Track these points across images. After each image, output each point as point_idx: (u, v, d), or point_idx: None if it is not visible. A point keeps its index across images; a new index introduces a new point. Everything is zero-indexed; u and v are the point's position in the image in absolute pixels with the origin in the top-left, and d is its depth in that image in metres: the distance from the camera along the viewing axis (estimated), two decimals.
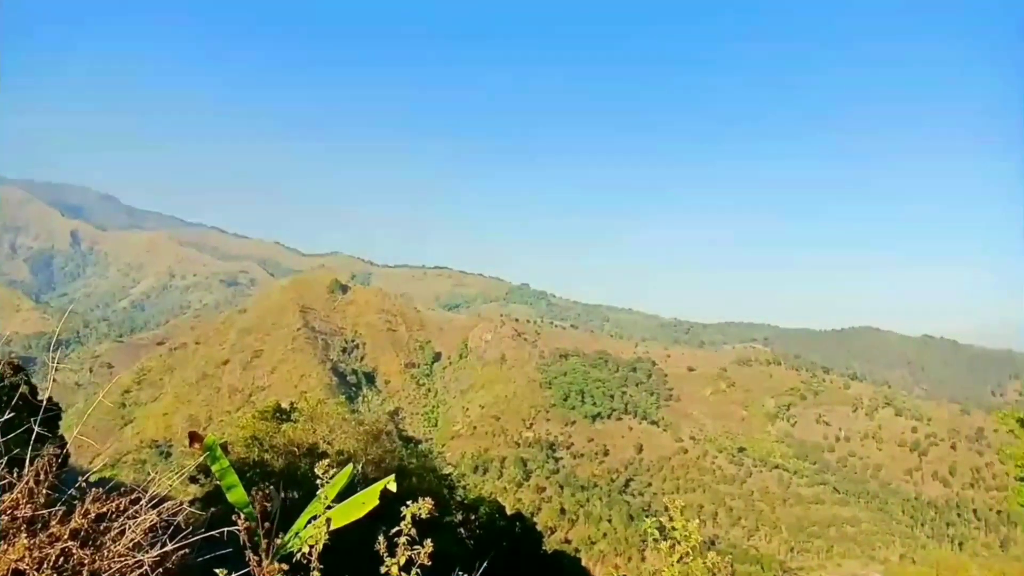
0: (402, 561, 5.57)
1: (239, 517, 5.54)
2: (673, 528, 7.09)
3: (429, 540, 5.66)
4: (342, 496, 6.28)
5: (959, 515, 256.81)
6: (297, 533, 5.98)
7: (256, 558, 5.39)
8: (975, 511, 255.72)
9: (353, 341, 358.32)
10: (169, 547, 5.44)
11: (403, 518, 5.68)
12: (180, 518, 5.76)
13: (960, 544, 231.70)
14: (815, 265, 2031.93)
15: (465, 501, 59.51)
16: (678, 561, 7.01)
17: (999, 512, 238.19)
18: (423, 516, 5.71)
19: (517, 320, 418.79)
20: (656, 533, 7.18)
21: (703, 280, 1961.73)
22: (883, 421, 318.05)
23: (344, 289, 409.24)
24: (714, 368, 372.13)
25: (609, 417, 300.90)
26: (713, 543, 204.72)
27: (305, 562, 5.56)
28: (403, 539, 5.62)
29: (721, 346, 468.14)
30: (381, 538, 5.66)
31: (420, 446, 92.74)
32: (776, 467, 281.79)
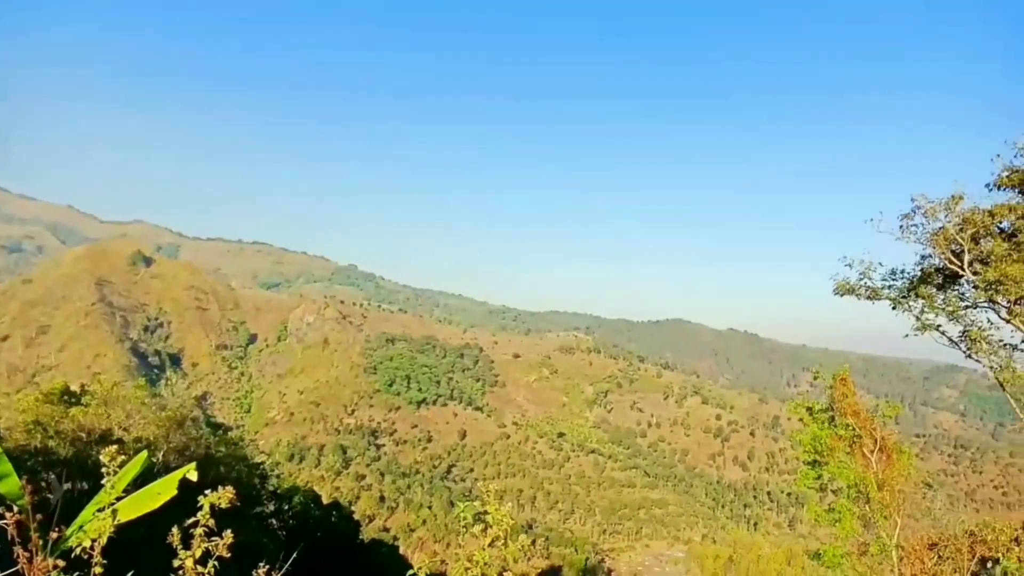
0: (198, 554, 5.31)
1: (8, 510, 5.06)
2: (486, 513, 7.32)
3: (229, 531, 5.45)
4: (139, 486, 5.91)
5: (755, 497, 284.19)
6: (82, 526, 5.55)
7: (26, 554, 4.90)
8: (769, 493, 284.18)
9: (157, 319, 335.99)
10: None
11: (200, 508, 5.43)
12: None
13: (755, 524, 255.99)
14: (636, 259, 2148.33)
15: (278, 491, 58.07)
16: (490, 545, 7.24)
17: (789, 494, 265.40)
18: (223, 506, 5.49)
19: (343, 302, 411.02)
20: (469, 518, 7.39)
21: (532, 268, 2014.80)
22: (691, 408, 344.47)
23: (148, 261, 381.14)
24: (539, 355, 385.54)
25: (434, 403, 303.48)
26: (531, 527, 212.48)
27: (87, 557, 5.18)
28: (200, 530, 5.36)
29: (546, 334, 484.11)
30: (175, 529, 5.38)
31: (230, 433, 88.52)
32: (592, 452, 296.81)
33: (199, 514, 5.38)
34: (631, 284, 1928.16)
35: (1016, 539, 24.02)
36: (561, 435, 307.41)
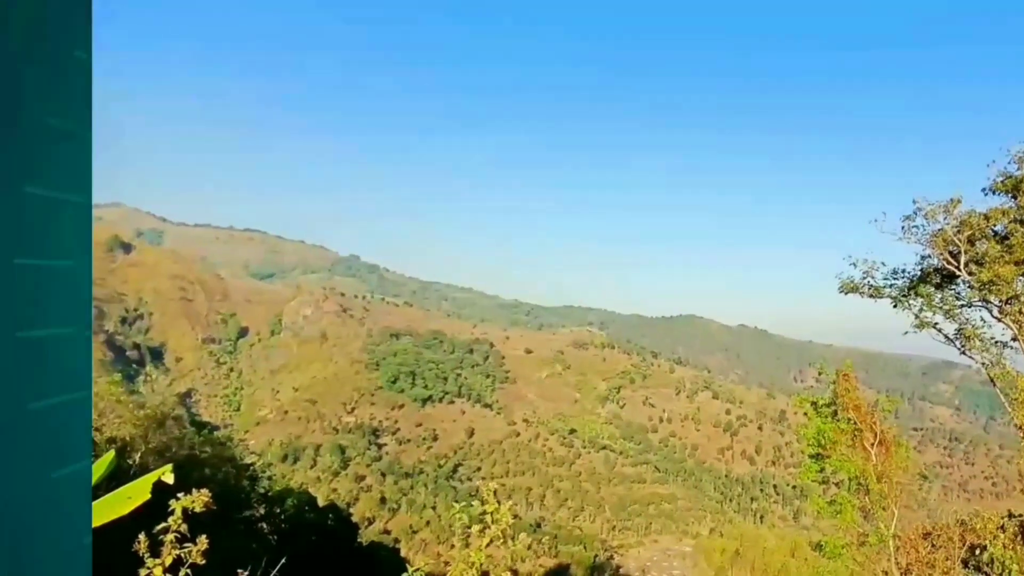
0: (168, 561, 5.08)
1: None
2: (485, 512, 7.16)
3: (203, 536, 5.21)
4: (109, 490, 5.65)
5: (762, 490, 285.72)
6: None
7: None
8: (775, 486, 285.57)
9: (136, 310, 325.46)
10: None
11: (172, 513, 5.18)
12: None
13: (762, 517, 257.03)
14: (649, 255, 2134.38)
15: (269, 493, 57.31)
16: (487, 545, 7.07)
17: (794, 487, 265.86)
18: (198, 510, 5.26)
19: (343, 295, 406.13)
20: (465, 518, 7.22)
21: (545, 263, 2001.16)
22: (701, 403, 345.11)
23: (127, 248, 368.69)
24: (551, 351, 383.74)
25: (441, 400, 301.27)
26: (539, 525, 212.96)
27: None
28: (170, 536, 5.12)
29: (559, 329, 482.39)
30: (142, 536, 5.13)
31: (217, 433, 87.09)
32: (603, 448, 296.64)
33: (170, 519, 5.14)
34: (645, 280, 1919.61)
35: (1002, 527, 25.51)
36: (572, 432, 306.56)
